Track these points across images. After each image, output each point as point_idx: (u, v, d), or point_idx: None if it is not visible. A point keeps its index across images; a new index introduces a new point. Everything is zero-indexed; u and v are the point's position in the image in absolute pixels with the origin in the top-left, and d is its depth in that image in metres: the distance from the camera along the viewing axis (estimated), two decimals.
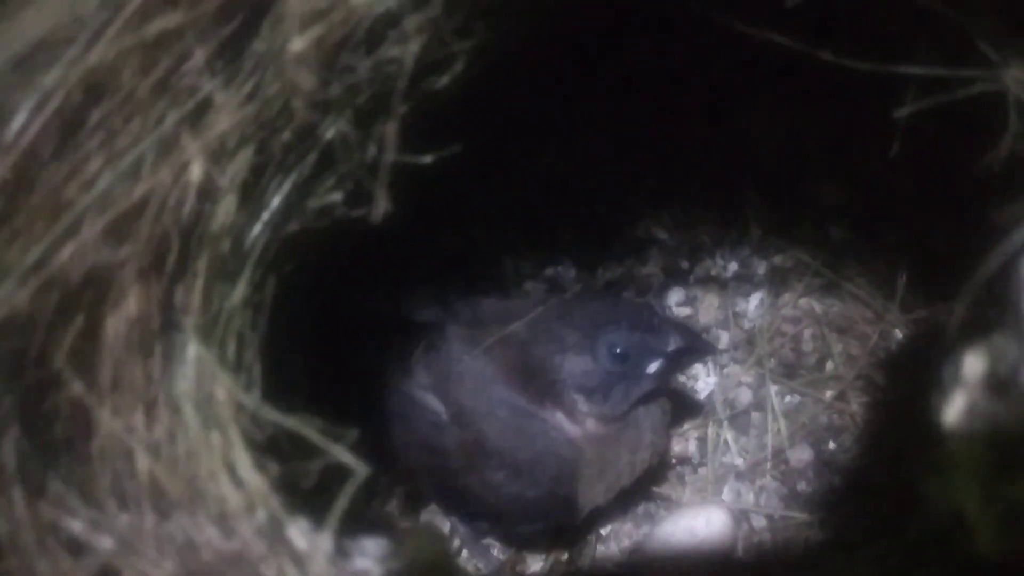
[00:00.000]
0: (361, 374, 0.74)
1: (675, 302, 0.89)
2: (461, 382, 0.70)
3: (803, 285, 0.85)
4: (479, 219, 0.92)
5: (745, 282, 0.87)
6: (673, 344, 0.66)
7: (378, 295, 0.77)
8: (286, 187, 0.52)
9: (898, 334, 0.80)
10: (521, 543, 0.82)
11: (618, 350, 0.66)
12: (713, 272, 0.88)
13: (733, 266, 0.88)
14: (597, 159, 0.91)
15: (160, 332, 0.47)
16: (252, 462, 0.45)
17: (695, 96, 0.86)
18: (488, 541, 0.83)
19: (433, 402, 0.71)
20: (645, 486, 0.82)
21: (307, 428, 0.45)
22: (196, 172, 0.44)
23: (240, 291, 0.50)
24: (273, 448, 0.47)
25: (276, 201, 0.52)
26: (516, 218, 0.92)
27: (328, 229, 0.62)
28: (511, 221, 0.92)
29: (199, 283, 0.48)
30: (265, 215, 0.52)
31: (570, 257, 0.92)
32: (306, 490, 0.46)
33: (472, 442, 0.69)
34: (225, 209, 0.49)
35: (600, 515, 0.77)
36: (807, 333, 0.85)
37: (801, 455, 0.81)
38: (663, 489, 0.84)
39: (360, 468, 0.45)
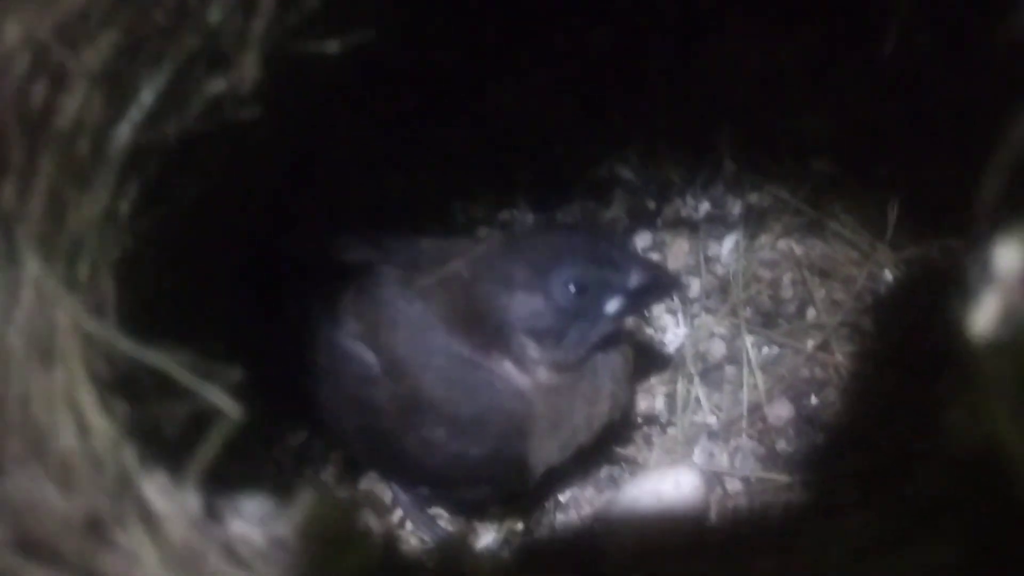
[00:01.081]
0: (283, 323, 0.65)
1: (642, 247, 0.80)
2: (395, 329, 0.62)
3: (782, 225, 0.77)
4: (424, 158, 0.83)
5: (718, 223, 0.79)
6: (635, 279, 0.58)
7: (302, 235, 0.68)
8: (160, 79, 0.43)
9: (888, 275, 0.73)
10: (470, 512, 0.73)
11: (573, 287, 0.57)
12: (683, 213, 0.80)
13: (705, 206, 0.79)
14: (556, 92, 0.82)
15: None
16: (100, 404, 0.36)
17: (662, 20, 0.77)
18: (435, 511, 0.74)
19: (363, 352, 0.62)
20: (607, 446, 0.74)
21: (169, 361, 0.37)
22: (12, 35, 0.35)
23: (98, 202, 0.41)
24: (131, 391, 0.38)
25: (148, 96, 0.42)
26: (466, 157, 0.83)
27: (221, 140, 0.52)
28: (460, 160, 0.83)
29: (42, 186, 0.39)
30: (134, 112, 0.42)
31: (526, 200, 0.83)
32: (172, 443, 0.38)
33: (407, 396, 0.60)
34: (78, 100, 0.39)
35: (556, 477, 0.68)
36: (786, 278, 0.77)
37: (780, 411, 0.73)
38: (627, 451, 0.76)
39: (232, 410, 0.36)
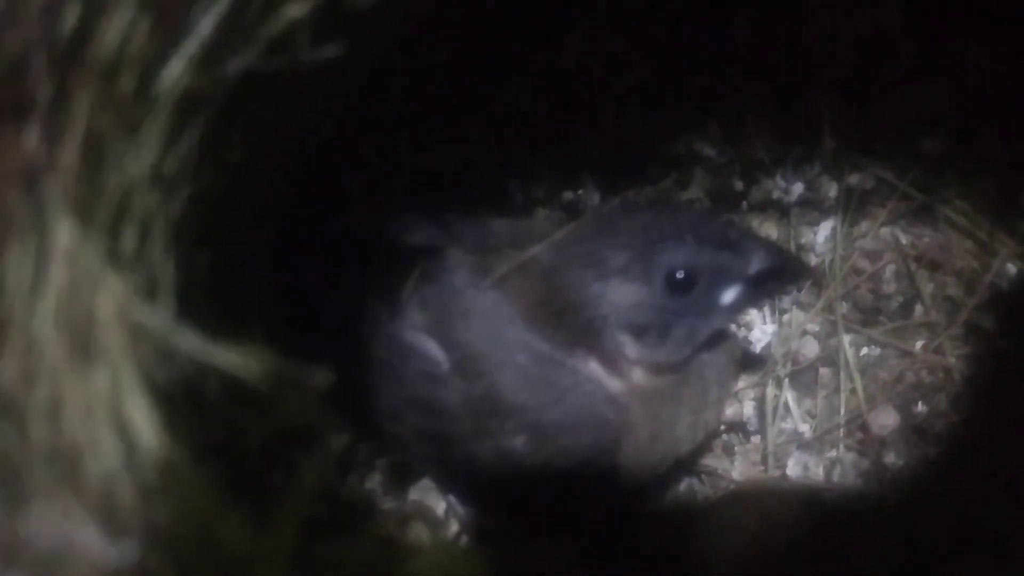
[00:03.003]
0: (336, 312, 0.57)
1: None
2: (467, 322, 0.53)
3: (886, 211, 0.69)
4: (481, 131, 0.74)
5: (812, 208, 0.71)
6: (757, 264, 0.49)
7: (357, 214, 0.60)
8: (222, 3, 0.35)
9: (1011, 268, 0.64)
10: (537, 531, 0.65)
11: (681, 274, 0.49)
12: (773, 196, 0.71)
13: (798, 188, 0.71)
14: (629, 55, 0.73)
15: (13, 209, 0.29)
16: (154, 416, 0.28)
17: None
18: (496, 525, 0.66)
19: (430, 347, 0.54)
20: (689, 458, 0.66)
21: (251, 361, 0.28)
22: None
23: (147, 155, 0.33)
24: (194, 401, 0.30)
25: (207, 25, 0.34)
26: (527, 131, 0.74)
27: (287, 82, 0.44)
28: (520, 134, 0.74)
29: (76, 130, 0.30)
30: (190, 44, 0.34)
31: (593, 179, 0.75)
32: (249, 473, 0.29)
33: (482, 398, 0.52)
34: (121, 27, 0.31)
35: (646, 497, 0.60)
36: (890, 270, 0.68)
37: (884, 420, 0.65)
38: (707, 460, 0.67)
39: (337, 429, 0.28)
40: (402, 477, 0.67)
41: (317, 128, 0.59)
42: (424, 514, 0.66)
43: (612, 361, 0.52)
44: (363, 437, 0.67)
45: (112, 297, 0.28)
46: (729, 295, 0.50)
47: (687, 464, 0.64)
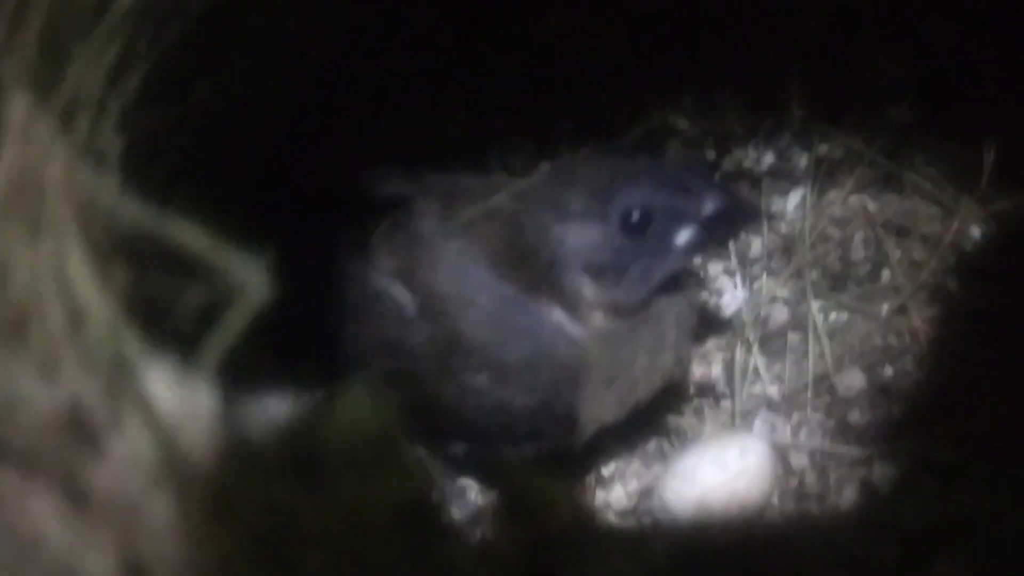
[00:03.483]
0: (306, 258, 0.58)
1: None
2: (433, 266, 0.55)
3: (854, 179, 0.70)
4: (461, 104, 0.76)
5: (783, 177, 0.72)
6: (711, 206, 0.51)
7: (331, 165, 0.62)
8: None
9: (975, 232, 0.65)
10: (506, 480, 0.66)
11: (636, 215, 0.51)
12: (744, 166, 0.72)
13: (768, 158, 0.72)
14: (604, 29, 0.75)
15: None
16: (96, 279, 0.30)
17: None
18: (466, 482, 0.67)
19: (398, 291, 0.55)
20: (657, 414, 0.67)
21: (188, 229, 0.30)
22: None
23: (103, 58, 0.35)
24: (136, 267, 0.31)
25: None
26: (504, 100, 0.76)
27: (252, 27, 0.47)
28: (498, 104, 0.76)
29: (36, 22, 0.33)
30: None
31: (570, 151, 0.77)
32: (185, 331, 0.31)
33: (446, 338, 0.54)
34: None
35: (607, 441, 0.61)
36: (858, 237, 0.70)
37: (850, 381, 0.66)
38: (677, 421, 0.68)
39: (260, 286, 0.30)
40: None
41: (293, 86, 0.61)
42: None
43: (573, 305, 0.54)
44: (338, 391, 0.68)
45: (62, 165, 0.30)
46: (683, 236, 0.52)
47: (652, 418, 0.65)
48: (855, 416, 0.64)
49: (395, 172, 0.60)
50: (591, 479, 0.68)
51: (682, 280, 0.56)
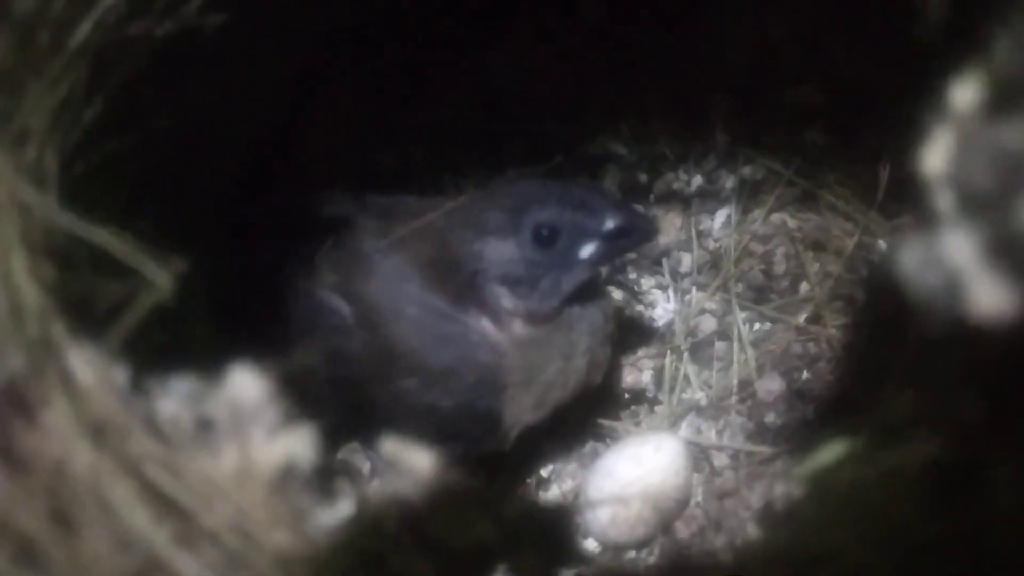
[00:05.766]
0: (259, 274, 0.64)
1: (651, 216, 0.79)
2: (369, 279, 0.61)
3: (775, 198, 0.75)
4: (416, 130, 0.82)
5: (710, 198, 0.78)
6: (610, 223, 0.56)
7: (284, 189, 0.68)
8: None
9: (881, 244, 0.71)
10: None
11: (545, 231, 0.56)
12: (675, 187, 0.78)
13: (697, 180, 0.78)
14: (549, 64, 0.82)
15: None
16: (31, 271, 0.36)
17: None
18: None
19: (338, 303, 0.61)
20: (590, 419, 0.72)
21: (105, 234, 0.36)
22: None
23: (54, 94, 0.41)
24: (66, 264, 0.37)
25: None
26: (458, 130, 0.83)
27: (196, 65, 0.53)
28: (452, 133, 0.83)
29: None
30: (98, 10, 0.43)
31: (518, 174, 0.82)
32: (105, 320, 0.37)
33: (380, 346, 0.59)
34: None
35: (535, 441, 0.66)
36: (779, 252, 0.75)
37: (770, 386, 0.71)
38: (613, 424, 0.73)
39: (162, 280, 0.35)
40: (332, 437, 0.74)
41: (252, 115, 0.68)
42: (348, 470, 0.73)
43: (496, 314, 0.59)
44: (297, 402, 0.74)
45: (7, 180, 0.36)
46: (587, 250, 0.57)
47: (580, 428, 0.70)
48: (771, 418, 0.69)
49: (340, 193, 0.66)
50: (531, 481, 0.73)
51: (595, 292, 0.62)
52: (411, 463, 0.37)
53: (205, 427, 0.35)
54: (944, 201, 0.25)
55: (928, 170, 0.26)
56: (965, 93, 0.27)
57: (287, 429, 0.36)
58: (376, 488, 0.37)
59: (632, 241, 0.60)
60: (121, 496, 0.34)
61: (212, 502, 0.35)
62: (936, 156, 0.26)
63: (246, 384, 0.35)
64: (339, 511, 0.37)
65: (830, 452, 0.38)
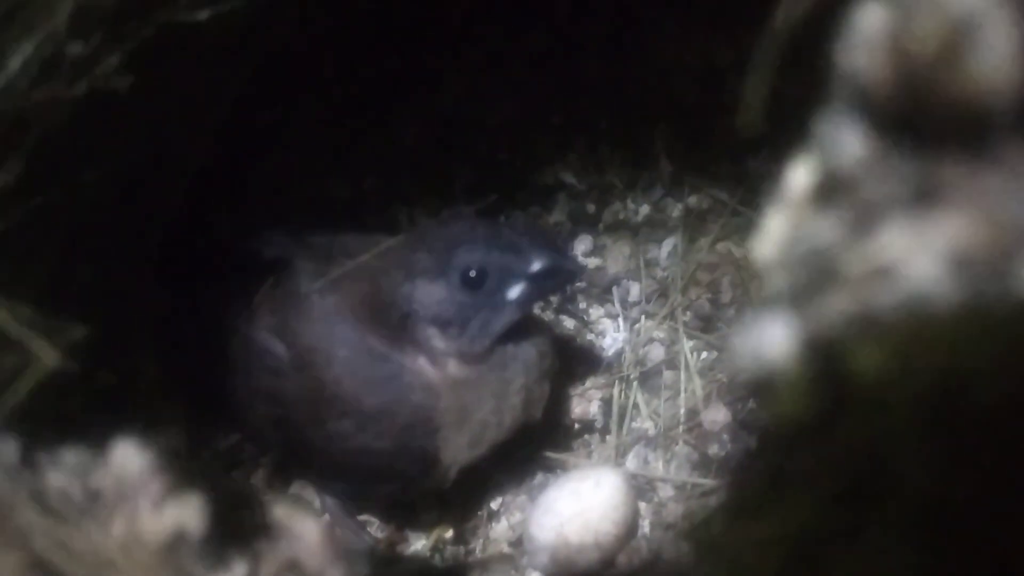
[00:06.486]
0: (198, 317, 0.65)
1: (582, 251, 0.79)
2: (304, 321, 0.61)
3: (720, 227, 0.76)
4: (367, 162, 0.83)
5: (657, 227, 0.78)
6: (537, 264, 0.57)
7: (221, 230, 0.68)
8: (28, 47, 0.44)
9: None
10: (398, 518, 0.72)
11: (472, 273, 0.57)
12: (622, 217, 0.79)
13: (644, 209, 0.78)
14: (498, 96, 0.82)
15: None
16: None
17: (598, 20, 0.77)
18: (365, 518, 0.73)
19: (274, 345, 0.62)
20: (538, 452, 0.72)
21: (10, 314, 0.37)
22: None
23: None
24: None
25: (16, 62, 0.44)
26: (410, 164, 0.83)
27: (117, 124, 0.53)
28: (405, 167, 0.83)
29: None
30: (2, 77, 0.43)
31: (470, 205, 0.83)
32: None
33: (313, 388, 0.60)
34: None
35: (481, 476, 0.67)
36: (726, 281, 0.75)
37: (715, 416, 0.71)
38: (562, 456, 0.73)
39: (47, 355, 0.36)
40: (282, 473, 0.74)
41: (187, 160, 0.68)
42: (300, 505, 0.73)
43: (431, 355, 0.60)
44: (246, 438, 0.74)
45: None
46: (515, 291, 0.57)
47: (530, 461, 0.70)
48: (715, 449, 0.69)
49: (279, 234, 0.67)
50: (482, 513, 0.73)
51: (530, 329, 0.62)
52: (300, 528, 0.37)
53: (93, 499, 0.36)
54: (771, 287, 0.26)
55: (758, 254, 0.26)
56: (798, 178, 0.27)
57: (174, 498, 0.36)
58: (269, 553, 0.38)
59: (558, 282, 0.60)
60: (10, 570, 0.35)
61: (102, 573, 0.35)
62: (767, 241, 0.26)
63: (130, 456, 0.35)
64: None
65: (719, 510, 0.38)
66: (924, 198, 0.22)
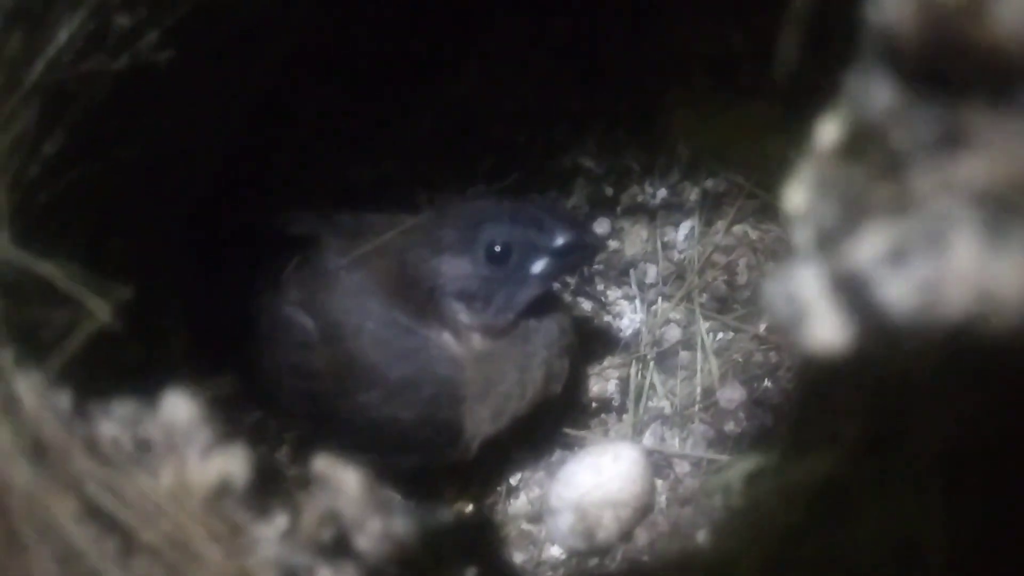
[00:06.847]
0: (227, 291, 0.66)
1: (600, 233, 0.80)
2: (332, 296, 0.63)
3: (736, 209, 0.77)
4: (389, 146, 0.84)
5: (674, 210, 0.79)
6: (560, 240, 0.58)
7: (253, 208, 0.70)
8: (76, 18, 0.46)
9: None
10: (421, 494, 0.73)
11: (498, 248, 0.58)
12: (640, 200, 0.80)
13: (662, 193, 0.80)
14: (518, 81, 0.83)
15: None
16: None
17: (616, 7, 0.79)
18: (387, 492, 0.74)
19: (303, 319, 0.63)
20: (557, 428, 0.74)
21: (50, 267, 0.38)
22: None
23: (9, 130, 0.44)
24: (14, 297, 0.40)
25: (63, 34, 0.45)
26: (431, 148, 0.85)
27: (159, 96, 0.55)
28: (426, 151, 0.85)
29: None
30: (51, 49, 0.45)
31: (489, 189, 0.84)
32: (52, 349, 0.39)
33: (342, 361, 0.61)
34: None
35: (502, 451, 0.68)
36: (742, 263, 0.76)
37: (732, 395, 0.72)
38: (580, 434, 0.75)
39: (100, 310, 0.37)
40: (305, 448, 0.76)
41: (220, 140, 0.70)
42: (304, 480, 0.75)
43: (455, 329, 0.61)
44: (270, 414, 0.76)
45: None
46: (538, 266, 0.59)
47: (545, 434, 0.72)
48: (731, 427, 0.71)
49: (308, 213, 0.68)
50: (501, 489, 0.75)
51: (552, 305, 0.63)
52: (340, 480, 0.39)
53: (143, 448, 0.37)
54: (801, 236, 0.27)
55: (789, 206, 0.28)
56: (827, 132, 0.28)
57: (220, 449, 0.38)
58: (309, 503, 0.39)
59: (581, 257, 0.61)
60: (64, 514, 0.36)
61: (151, 519, 0.37)
62: (797, 193, 0.28)
63: (179, 407, 0.37)
64: (274, 526, 0.39)
65: (741, 467, 0.40)
66: (950, 142, 0.23)
